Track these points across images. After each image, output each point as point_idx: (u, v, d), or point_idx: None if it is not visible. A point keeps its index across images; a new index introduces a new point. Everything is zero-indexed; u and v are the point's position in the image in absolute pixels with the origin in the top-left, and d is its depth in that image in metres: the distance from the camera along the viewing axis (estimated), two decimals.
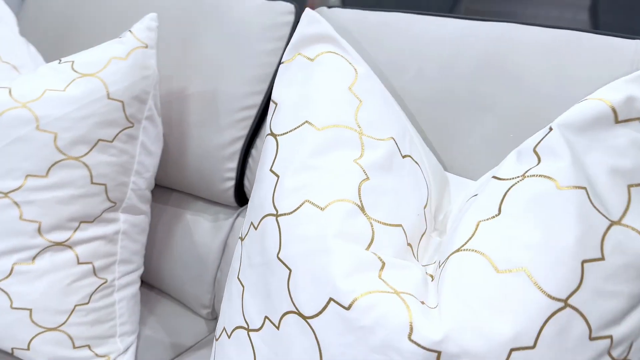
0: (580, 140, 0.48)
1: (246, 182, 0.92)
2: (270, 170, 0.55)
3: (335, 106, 0.55)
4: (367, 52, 0.87)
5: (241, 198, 0.94)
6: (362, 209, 0.50)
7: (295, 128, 0.56)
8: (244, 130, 0.89)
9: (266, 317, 0.52)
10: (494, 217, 0.48)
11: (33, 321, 0.73)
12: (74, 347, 0.76)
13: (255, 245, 0.54)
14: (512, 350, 0.42)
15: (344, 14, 0.93)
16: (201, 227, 0.94)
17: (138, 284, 0.86)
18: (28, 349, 0.74)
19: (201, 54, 0.92)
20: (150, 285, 0.99)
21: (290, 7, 0.97)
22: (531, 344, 0.42)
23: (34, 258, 0.73)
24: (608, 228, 0.45)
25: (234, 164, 0.90)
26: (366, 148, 0.54)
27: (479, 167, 0.73)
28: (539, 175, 0.48)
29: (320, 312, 0.47)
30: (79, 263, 0.75)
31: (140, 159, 0.81)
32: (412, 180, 0.55)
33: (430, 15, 0.88)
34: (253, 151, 0.91)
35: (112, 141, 0.76)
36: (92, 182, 0.75)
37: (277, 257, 0.51)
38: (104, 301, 0.79)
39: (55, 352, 0.75)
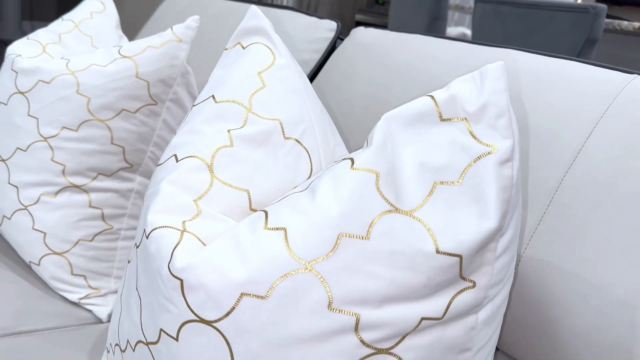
0: (401, 133, 0.49)
1: None
2: (175, 130, 0.65)
3: (238, 85, 0.63)
4: (374, 66, 0.91)
5: None
6: (210, 167, 0.57)
7: (204, 100, 0.64)
8: None
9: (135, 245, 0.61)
10: (302, 191, 0.51)
11: (45, 243, 0.91)
12: (72, 274, 0.92)
13: None
14: (243, 294, 0.45)
15: (370, 32, 0.99)
16: None
17: None
18: (39, 264, 0.92)
19: None
20: None
21: (334, 25, 1.06)
22: (263, 294, 0.45)
23: (56, 193, 0.91)
24: (385, 213, 0.46)
25: None
26: (248, 123, 0.60)
27: None
28: (347, 158, 0.50)
29: (140, 244, 0.54)
30: (90, 206, 0.92)
31: (161, 134, 0.96)
32: (289, 160, 0.60)
33: (444, 38, 0.90)
34: None
35: (134, 112, 0.92)
36: (112, 143, 0.91)
37: (145, 198, 0.60)
38: (106, 244, 0.94)
39: (57, 273, 0.92)
